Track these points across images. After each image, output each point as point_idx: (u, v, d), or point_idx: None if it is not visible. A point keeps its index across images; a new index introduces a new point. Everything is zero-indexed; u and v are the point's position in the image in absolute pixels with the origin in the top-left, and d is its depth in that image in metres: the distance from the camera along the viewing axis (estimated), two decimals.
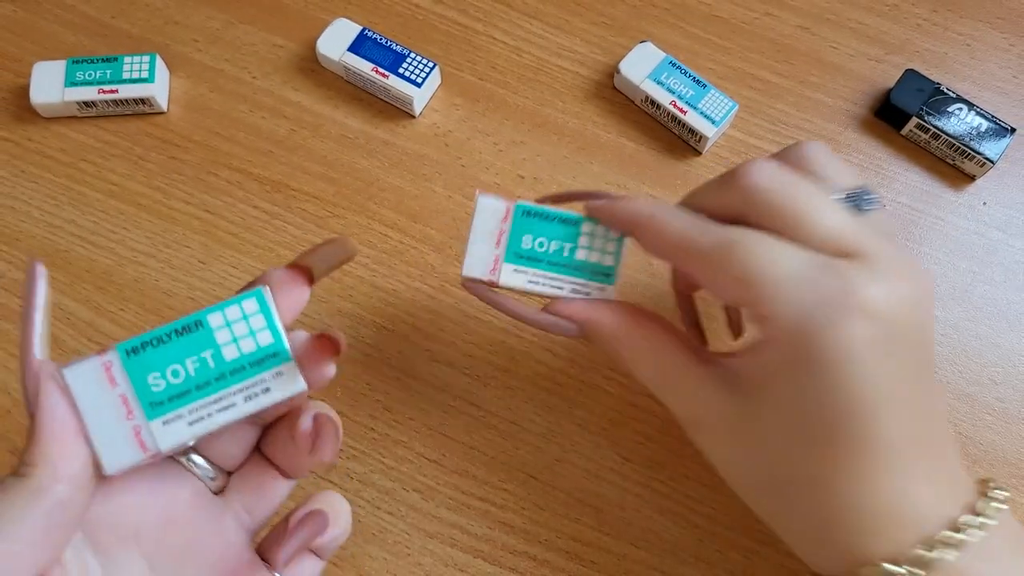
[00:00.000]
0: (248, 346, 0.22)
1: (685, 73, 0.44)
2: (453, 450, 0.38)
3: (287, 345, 0.23)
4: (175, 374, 0.22)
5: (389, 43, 0.44)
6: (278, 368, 0.23)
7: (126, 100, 0.43)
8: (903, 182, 0.44)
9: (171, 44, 0.46)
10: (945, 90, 0.44)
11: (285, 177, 0.43)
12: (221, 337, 0.22)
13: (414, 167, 0.44)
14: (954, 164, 0.44)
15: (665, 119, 0.44)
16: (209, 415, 0.22)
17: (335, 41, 0.44)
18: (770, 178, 0.26)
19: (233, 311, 0.22)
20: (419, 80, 0.43)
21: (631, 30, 0.47)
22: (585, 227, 0.29)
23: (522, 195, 0.43)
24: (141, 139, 0.44)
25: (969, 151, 0.43)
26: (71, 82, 0.43)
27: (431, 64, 0.44)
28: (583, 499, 0.37)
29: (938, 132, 0.43)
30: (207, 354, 0.22)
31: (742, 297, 0.25)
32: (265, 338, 0.22)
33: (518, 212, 0.29)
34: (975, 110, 0.43)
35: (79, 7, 0.47)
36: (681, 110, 0.43)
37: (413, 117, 0.45)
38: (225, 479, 0.27)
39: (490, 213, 0.29)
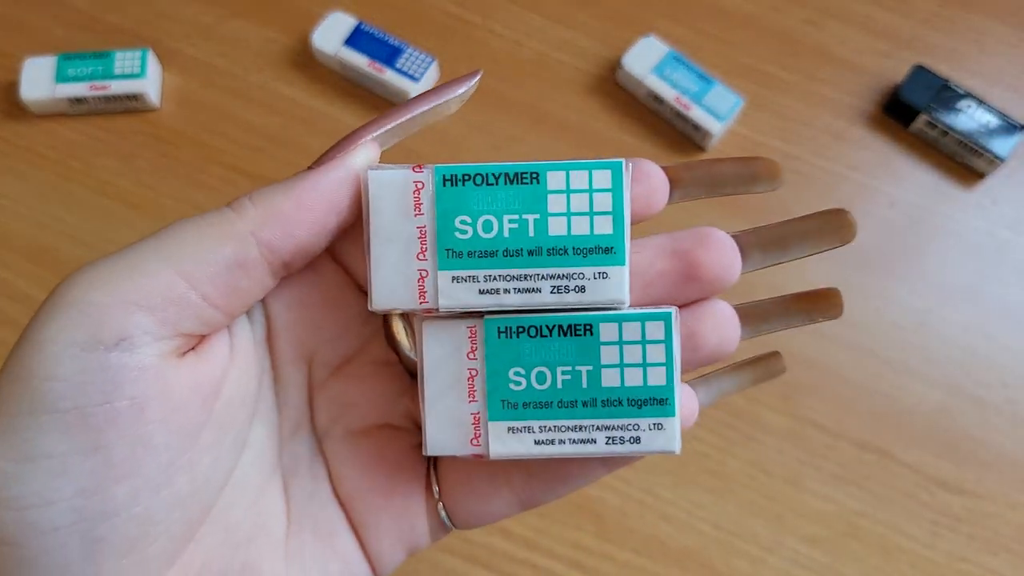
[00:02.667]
0: (580, 227, 0.17)
1: (690, 68, 0.43)
2: None
3: (627, 243, 0.17)
4: (487, 227, 0.18)
5: (386, 37, 0.43)
6: (603, 268, 0.17)
7: (117, 96, 0.42)
8: (911, 180, 0.43)
9: (163, 39, 0.45)
10: (954, 86, 0.43)
11: (277, 174, 0.42)
12: (553, 204, 0.18)
13: (409, 163, 0.43)
14: (963, 161, 0.43)
15: (669, 115, 0.43)
16: (505, 292, 0.18)
17: (330, 35, 0.43)
18: None
19: (579, 177, 0.18)
20: (417, 75, 0.42)
21: (634, 23, 0.46)
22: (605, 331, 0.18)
23: None
24: (132, 136, 0.43)
25: (978, 148, 0.42)
26: (62, 78, 0.42)
27: (429, 59, 0.43)
28: (584, 505, 0.36)
29: (947, 129, 0.42)
30: (531, 217, 0.18)
31: None
32: (603, 225, 0.17)
33: (489, 328, 0.18)
34: (984, 106, 0.42)
35: (70, 1, 0.46)
36: (685, 105, 0.42)
37: None
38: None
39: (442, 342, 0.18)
